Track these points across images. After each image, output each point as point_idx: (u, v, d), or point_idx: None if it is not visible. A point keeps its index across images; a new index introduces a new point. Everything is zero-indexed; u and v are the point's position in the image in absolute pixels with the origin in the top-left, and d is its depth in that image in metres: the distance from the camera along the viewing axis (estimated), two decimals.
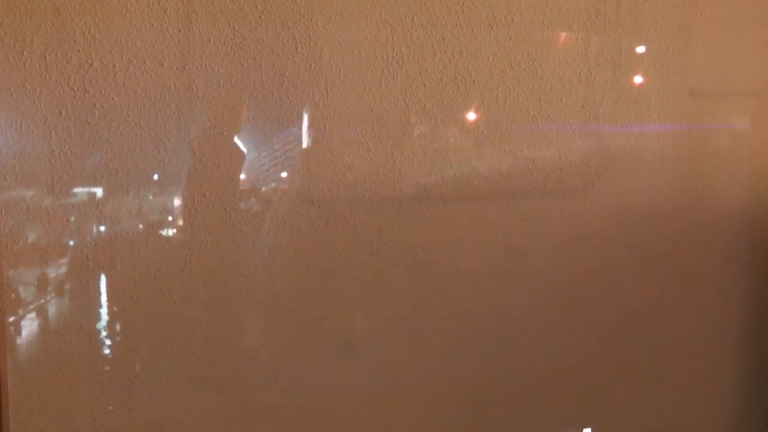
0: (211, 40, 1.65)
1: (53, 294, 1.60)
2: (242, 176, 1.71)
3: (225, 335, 1.72)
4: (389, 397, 1.89)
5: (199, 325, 1.70)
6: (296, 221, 1.75)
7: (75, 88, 1.57)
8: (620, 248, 2.07)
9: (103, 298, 1.63)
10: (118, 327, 1.64)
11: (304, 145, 1.74)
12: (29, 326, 1.59)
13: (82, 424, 1.64)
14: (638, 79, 2.04)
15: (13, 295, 1.57)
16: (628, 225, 2.07)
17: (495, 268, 1.95)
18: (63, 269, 1.60)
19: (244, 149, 1.70)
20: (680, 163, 2.11)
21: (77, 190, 1.59)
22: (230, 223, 1.70)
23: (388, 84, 1.79)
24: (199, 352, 1.70)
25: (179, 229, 1.67)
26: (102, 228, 1.61)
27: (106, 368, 1.64)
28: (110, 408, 1.65)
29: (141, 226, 1.64)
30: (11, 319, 1.57)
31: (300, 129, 1.74)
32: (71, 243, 1.59)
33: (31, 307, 1.59)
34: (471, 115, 1.88)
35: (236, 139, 1.69)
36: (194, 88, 1.65)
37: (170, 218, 1.66)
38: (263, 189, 1.73)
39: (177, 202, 1.66)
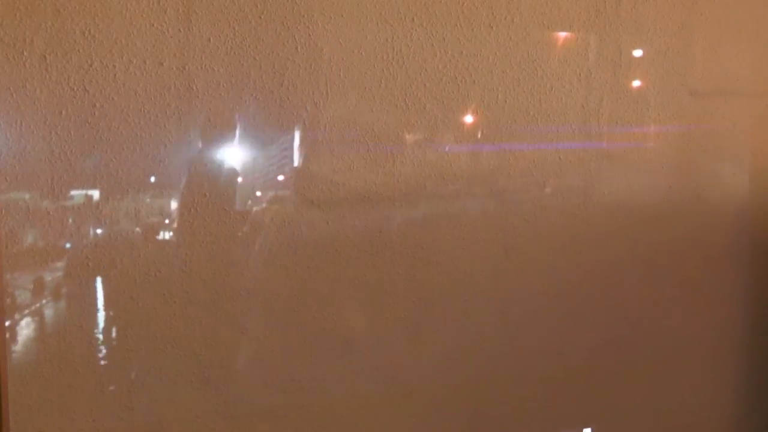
0: (211, 40, 1.65)
1: (53, 294, 1.60)
2: (242, 176, 1.71)
3: (225, 335, 1.72)
4: (389, 397, 1.89)
5: (199, 325, 1.70)
6: (296, 221, 1.75)
7: (75, 88, 1.57)
8: (620, 248, 2.07)
9: (103, 298, 1.63)
10: (118, 327, 1.64)
11: (304, 145, 1.74)
12: (29, 326, 1.59)
13: (82, 424, 1.64)
14: (638, 79, 2.04)
15: (13, 296, 1.57)
16: (628, 225, 2.07)
17: (495, 268, 1.95)
18: (63, 269, 1.60)
19: (244, 149, 1.70)
20: (680, 163, 2.11)
21: (77, 190, 1.59)
22: (230, 223, 1.70)
23: (388, 84, 1.79)
24: (199, 352, 1.70)
25: (179, 229, 1.67)
26: (102, 228, 1.61)
27: (106, 368, 1.64)
28: (110, 408, 1.65)
29: (141, 226, 1.64)
30: (11, 319, 1.57)
31: (300, 129, 1.74)
32: (71, 243, 1.59)
33: (31, 307, 1.59)
34: (471, 115, 1.88)
35: (236, 139, 1.69)
36: (194, 88, 1.65)
37: (170, 218, 1.66)
38: (263, 189, 1.73)
39: (177, 202, 1.66)
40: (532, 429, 2.05)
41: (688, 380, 2.21)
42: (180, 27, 1.62)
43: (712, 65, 2.11)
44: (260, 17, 1.68)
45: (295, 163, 1.74)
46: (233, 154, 1.69)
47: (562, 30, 1.94)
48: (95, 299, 1.62)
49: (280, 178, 1.74)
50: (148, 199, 1.64)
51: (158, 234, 1.65)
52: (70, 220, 1.59)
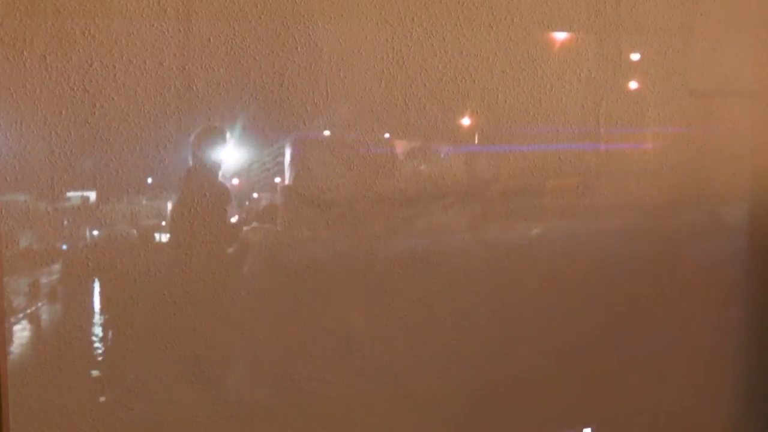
0: (211, 40, 1.65)
1: (53, 295, 1.60)
2: (242, 176, 1.71)
3: (225, 335, 1.72)
4: (389, 397, 1.89)
5: (199, 325, 1.70)
6: (296, 221, 1.75)
7: (75, 88, 1.57)
8: (620, 248, 2.07)
9: (103, 298, 1.63)
10: (118, 327, 1.64)
11: (304, 145, 1.74)
12: (29, 326, 1.59)
13: (82, 424, 1.64)
14: (638, 80, 2.04)
15: (13, 296, 1.57)
16: (628, 225, 2.07)
17: (495, 268, 1.95)
18: (63, 270, 1.59)
19: (244, 149, 1.70)
20: (680, 163, 2.11)
21: (77, 190, 1.59)
22: (230, 223, 1.70)
23: (388, 84, 1.78)
24: (199, 352, 1.70)
25: (179, 229, 1.67)
26: (102, 228, 1.61)
27: (106, 368, 1.64)
28: (110, 408, 1.65)
29: (141, 226, 1.64)
30: (11, 319, 1.57)
31: (300, 129, 1.74)
32: (71, 244, 1.59)
33: (31, 307, 1.59)
34: (471, 115, 1.88)
35: (236, 139, 1.69)
36: (194, 88, 1.65)
37: (170, 218, 1.66)
38: (263, 189, 1.73)
39: (177, 202, 1.66)
40: (532, 429, 2.05)
41: (688, 380, 2.21)
42: (180, 27, 1.62)
43: (712, 65, 2.11)
44: (260, 17, 1.68)
45: (295, 163, 1.74)
46: (233, 155, 1.69)
47: (562, 30, 1.94)
48: (95, 299, 1.62)
49: (280, 178, 1.74)
50: (148, 200, 1.64)
51: (158, 234, 1.65)
52: (70, 221, 1.59)
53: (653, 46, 2.04)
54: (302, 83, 1.72)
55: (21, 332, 1.58)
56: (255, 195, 1.72)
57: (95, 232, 1.61)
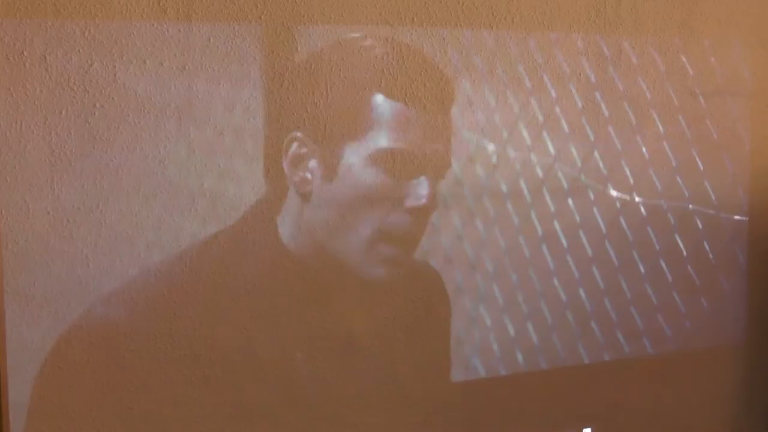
0: (211, 40, 1.65)
1: (53, 294, 1.60)
2: (242, 176, 1.71)
3: (225, 335, 1.72)
4: (389, 397, 1.89)
5: (199, 325, 1.70)
6: (296, 221, 1.75)
7: (75, 88, 1.57)
8: (620, 248, 2.07)
9: (103, 298, 1.63)
10: (118, 327, 1.64)
11: (304, 145, 1.74)
12: (29, 326, 1.59)
13: (82, 424, 1.64)
14: (638, 79, 2.04)
15: (12, 296, 1.57)
16: (628, 225, 2.07)
17: (495, 267, 1.95)
18: (63, 269, 1.59)
19: (244, 149, 1.70)
20: (680, 163, 2.11)
21: (77, 190, 1.59)
22: (230, 223, 1.70)
23: (388, 84, 1.78)
24: (199, 352, 1.70)
25: (179, 228, 1.67)
26: (102, 228, 1.61)
27: (106, 368, 1.64)
28: (110, 408, 1.65)
29: (141, 226, 1.64)
30: (11, 319, 1.57)
31: (300, 129, 1.74)
32: (71, 243, 1.59)
33: (31, 307, 1.59)
34: (471, 116, 1.88)
35: (236, 139, 1.69)
36: (194, 88, 1.65)
37: (170, 218, 1.66)
38: (263, 189, 1.73)
39: (177, 202, 1.66)
40: (532, 429, 2.05)
41: (688, 380, 2.21)
42: (180, 27, 1.62)
43: (712, 65, 2.11)
44: (260, 17, 1.68)
45: (295, 163, 1.74)
46: (233, 154, 1.69)
47: (562, 30, 1.94)
48: (95, 299, 1.62)
49: (281, 178, 1.74)
50: (148, 199, 1.64)
51: (158, 234, 1.65)
52: (70, 221, 1.59)
53: (653, 46, 2.04)
54: (302, 83, 1.72)
55: (21, 332, 1.58)
56: (255, 195, 1.72)
57: (95, 232, 1.61)
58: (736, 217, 2.19)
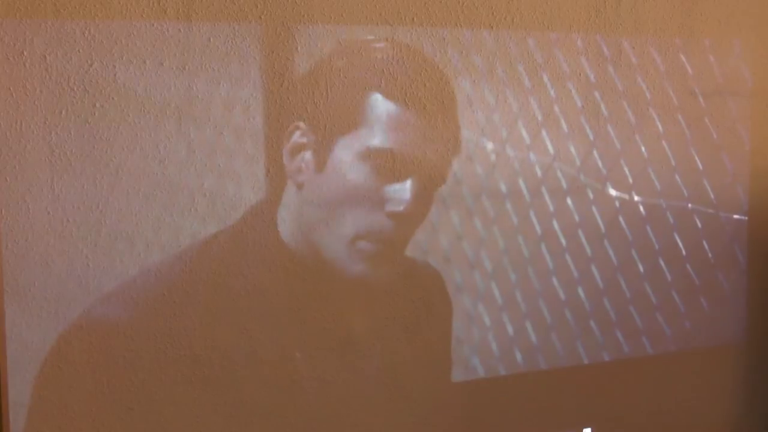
0: (211, 40, 1.65)
1: (53, 294, 1.60)
2: (242, 176, 1.71)
3: (225, 335, 1.72)
4: (389, 397, 1.89)
5: (199, 325, 1.70)
6: (296, 221, 1.75)
7: (75, 88, 1.57)
8: (619, 248, 2.07)
9: (103, 298, 1.63)
10: (118, 327, 1.64)
11: (304, 145, 1.74)
12: (29, 326, 1.59)
13: (82, 424, 1.64)
14: (638, 79, 2.04)
15: (12, 295, 1.57)
16: (628, 225, 2.07)
17: (494, 267, 1.95)
18: (63, 269, 1.59)
19: (244, 149, 1.70)
20: (680, 163, 2.11)
21: (77, 190, 1.59)
22: (230, 222, 1.70)
23: (388, 84, 1.78)
24: (199, 352, 1.70)
25: (179, 228, 1.67)
26: (102, 228, 1.61)
27: (107, 368, 1.64)
28: (110, 408, 1.65)
29: (141, 226, 1.64)
30: (11, 319, 1.57)
31: (300, 129, 1.74)
32: (71, 244, 1.59)
33: (31, 306, 1.59)
34: (471, 116, 1.88)
35: (236, 139, 1.69)
36: (194, 88, 1.65)
37: (170, 218, 1.66)
38: (263, 189, 1.73)
39: (177, 201, 1.66)
40: (533, 429, 2.05)
41: (688, 380, 2.21)
42: (180, 27, 1.62)
43: (712, 65, 2.11)
44: (260, 17, 1.68)
45: (295, 163, 1.74)
46: (233, 154, 1.69)
47: (562, 30, 1.94)
48: (95, 299, 1.62)
49: (280, 177, 1.74)
50: (148, 199, 1.64)
51: (158, 234, 1.65)
52: (70, 221, 1.59)
53: (653, 46, 2.04)
54: (302, 83, 1.72)
55: (21, 332, 1.58)
56: (254, 195, 1.72)
57: (95, 233, 1.61)
58: (736, 216, 2.19)
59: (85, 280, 1.61)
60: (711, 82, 2.12)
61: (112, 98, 1.59)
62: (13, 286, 1.57)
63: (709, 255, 2.18)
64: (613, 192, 2.04)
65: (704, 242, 2.17)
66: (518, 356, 2.00)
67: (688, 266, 2.16)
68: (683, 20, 2.06)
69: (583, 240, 2.03)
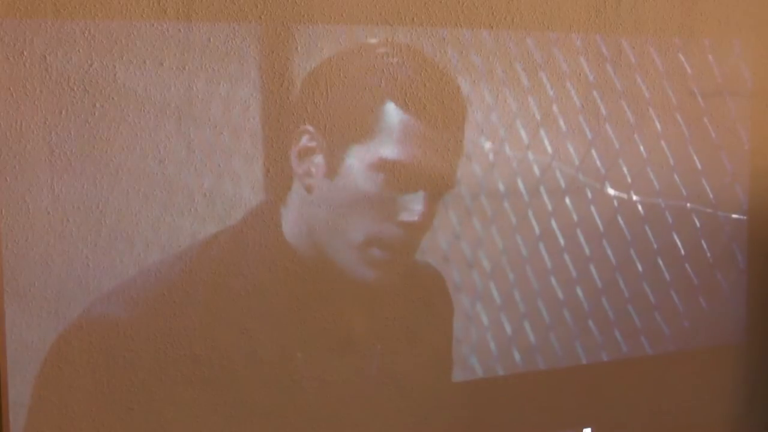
0: (211, 40, 1.65)
1: (53, 294, 1.60)
2: (242, 176, 1.71)
3: (225, 335, 1.72)
4: (389, 397, 1.89)
5: (199, 325, 1.70)
6: (296, 221, 1.75)
7: (75, 88, 1.57)
8: (619, 248, 2.07)
9: (103, 298, 1.63)
10: (117, 327, 1.64)
11: (304, 145, 1.74)
12: (29, 326, 1.59)
13: (82, 424, 1.64)
14: (638, 79, 2.04)
15: (12, 295, 1.57)
16: (628, 225, 2.07)
17: (493, 267, 1.95)
18: (63, 269, 1.60)
19: (244, 149, 1.70)
20: (680, 163, 2.11)
21: (77, 190, 1.59)
22: (230, 222, 1.70)
23: (388, 84, 1.78)
24: (199, 352, 1.70)
25: (179, 228, 1.67)
26: (102, 227, 1.61)
27: (106, 368, 1.64)
28: (110, 408, 1.65)
29: (141, 226, 1.64)
30: (11, 319, 1.57)
31: (300, 129, 1.74)
32: (71, 244, 1.59)
33: (31, 306, 1.59)
34: (471, 116, 1.88)
35: (236, 139, 1.69)
36: (194, 88, 1.65)
37: (170, 218, 1.66)
38: (263, 189, 1.73)
39: (177, 201, 1.66)
40: (533, 429, 2.05)
41: (688, 380, 2.21)
42: (180, 27, 1.63)
43: (712, 65, 2.11)
44: (260, 17, 1.68)
45: (295, 163, 1.74)
46: (233, 154, 1.69)
47: (562, 30, 1.95)
48: (95, 299, 1.62)
49: (280, 177, 1.74)
50: (148, 199, 1.64)
51: (158, 233, 1.65)
52: (70, 221, 1.59)
53: (653, 46, 2.04)
54: (302, 83, 1.72)
55: (21, 332, 1.58)
56: (254, 195, 1.72)
57: (95, 232, 1.61)
58: (734, 215, 2.19)
59: (84, 279, 1.61)
60: (711, 82, 2.12)
61: (112, 98, 1.59)
62: (13, 286, 1.57)
63: (708, 254, 2.18)
64: (611, 191, 2.04)
65: (703, 242, 2.17)
66: (517, 356, 2.00)
67: (686, 266, 2.16)
68: (683, 20, 2.06)
69: (582, 240, 2.03)
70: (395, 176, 1.80)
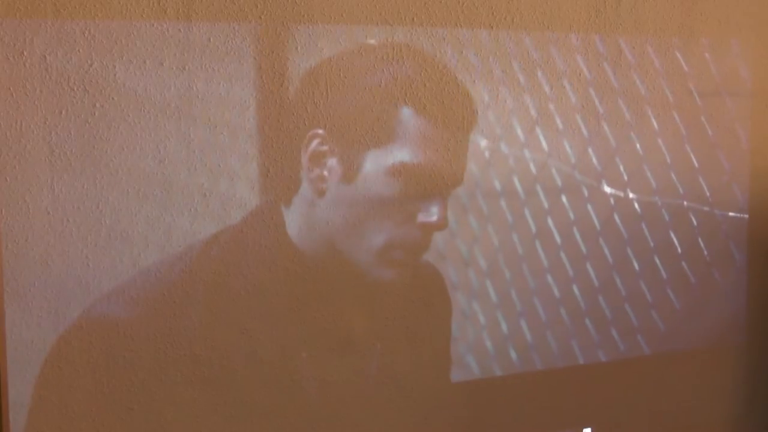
0: (211, 40, 1.65)
1: (53, 294, 1.60)
2: (242, 176, 1.71)
3: (225, 335, 1.72)
4: (389, 397, 1.89)
5: (199, 325, 1.70)
6: (296, 221, 1.75)
7: (75, 88, 1.57)
8: (619, 248, 2.07)
9: (103, 298, 1.63)
10: (117, 327, 1.64)
11: (304, 145, 1.74)
12: (29, 326, 1.59)
13: (82, 424, 1.64)
14: (638, 79, 2.04)
15: (12, 296, 1.57)
16: (628, 225, 2.07)
17: (490, 265, 1.95)
18: (63, 269, 1.60)
19: (244, 149, 1.70)
20: (679, 163, 2.11)
21: (77, 190, 1.59)
22: (230, 222, 1.70)
23: (388, 84, 1.79)
24: (199, 352, 1.70)
25: (179, 228, 1.67)
26: (102, 227, 1.61)
27: (106, 368, 1.64)
28: (110, 408, 1.65)
29: (141, 226, 1.64)
30: (11, 319, 1.57)
31: (300, 129, 1.74)
32: (71, 243, 1.59)
33: (31, 306, 1.59)
34: (471, 116, 1.88)
35: (236, 139, 1.69)
36: (194, 88, 1.65)
37: (170, 218, 1.66)
38: (263, 189, 1.73)
39: (177, 201, 1.66)
40: (533, 429, 2.05)
41: (688, 380, 2.21)
42: (180, 27, 1.63)
43: (712, 65, 2.11)
44: (260, 17, 1.68)
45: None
46: (233, 154, 1.69)
47: (562, 30, 1.95)
48: (95, 299, 1.62)
49: (280, 177, 1.74)
50: (148, 199, 1.64)
51: (158, 234, 1.65)
52: (70, 221, 1.59)
53: (653, 46, 2.04)
54: (302, 83, 1.72)
55: (21, 332, 1.58)
56: (255, 195, 1.72)
57: (95, 232, 1.61)
58: (731, 214, 2.19)
59: (85, 280, 1.61)
60: (710, 82, 2.12)
61: (112, 98, 1.59)
62: (13, 286, 1.57)
63: (705, 253, 2.18)
64: (608, 190, 2.04)
65: (700, 240, 2.17)
66: (513, 354, 2.00)
67: (683, 264, 2.16)
68: (683, 20, 2.06)
69: (579, 238, 2.03)
70: (410, 178, 1.81)
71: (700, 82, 2.10)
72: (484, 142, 1.90)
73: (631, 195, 2.07)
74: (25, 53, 1.53)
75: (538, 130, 1.95)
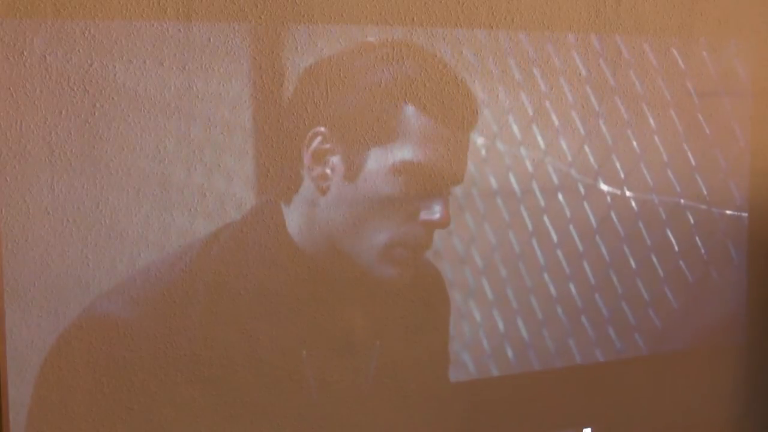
0: (211, 40, 1.65)
1: (53, 293, 1.60)
2: (242, 176, 1.71)
3: (225, 335, 1.72)
4: (389, 397, 1.89)
5: (199, 325, 1.70)
6: (296, 221, 1.75)
7: (75, 88, 1.57)
8: (619, 248, 2.07)
9: (103, 298, 1.63)
10: (117, 327, 1.64)
11: (304, 145, 1.74)
12: (29, 326, 1.59)
13: (82, 424, 1.64)
14: (638, 79, 2.04)
15: (12, 296, 1.57)
16: (627, 224, 2.07)
17: (494, 267, 1.95)
18: (62, 269, 1.60)
19: (244, 149, 1.70)
20: (680, 163, 2.11)
21: (77, 190, 1.59)
22: (230, 222, 1.70)
23: (387, 84, 1.79)
24: (199, 352, 1.70)
25: (178, 228, 1.67)
26: (102, 227, 1.61)
27: (106, 368, 1.64)
28: (110, 408, 1.65)
29: (141, 226, 1.64)
30: (11, 319, 1.57)
31: (300, 128, 1.74)
32: (71, 243, 1.59)
33: (31, 307, 1.59)
34: (471, 115, 1.88)
35: (236, 139, 1.69)
36: (194, 88, 1.65)
37: (170, 217, 1.66)
38: (262, 189, 1.73)
39: (176, 201, 1.66)
40: (533, 429, 2.05)
41: (688, 380, 2.21)
42: (180, 27, 1.63)
43: (712, 65, 2.12)
44: (260, 17, 1.68)
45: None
46: (233, 154, 1.69)
47: (562, 30, 1.95)
48: (95, 299, 1.62)
49: (280, 177, 1.74)
50: (148, 199, 1.64)
51: (158, 233, 1.65)
52: (70, 221, 1.59)
53: (653, 46, 2.04)
54: (302, 83, 1.72)
55: (21, 332, 1.58)
56: (254, 195, 1.72)
57: (95, 232, 1.61)
58: (729, 212, 2.19)
59: (84, 279, 1.61)
60: (711, 82, 2.12)
61: (112, 98, 1.59)
62: (13, 286, 1.57)
63: (709, 255, 2.18)
64: (605, 188, 2.04)
65: (697, 238, 2.17)
66: (509, 353, 2.00)
67: (681, 262, 2.16)
68: (683, 20, 2.06)
69: (575, 236, 2.03)
70: (412, 176, 1.81)
71: (699, 82, 2.10)
72: (480, 140, 1.90)
73: (628, 193, 2.07)
74: (25, 53, 1.53)
75: (534, 128, 1.95)
